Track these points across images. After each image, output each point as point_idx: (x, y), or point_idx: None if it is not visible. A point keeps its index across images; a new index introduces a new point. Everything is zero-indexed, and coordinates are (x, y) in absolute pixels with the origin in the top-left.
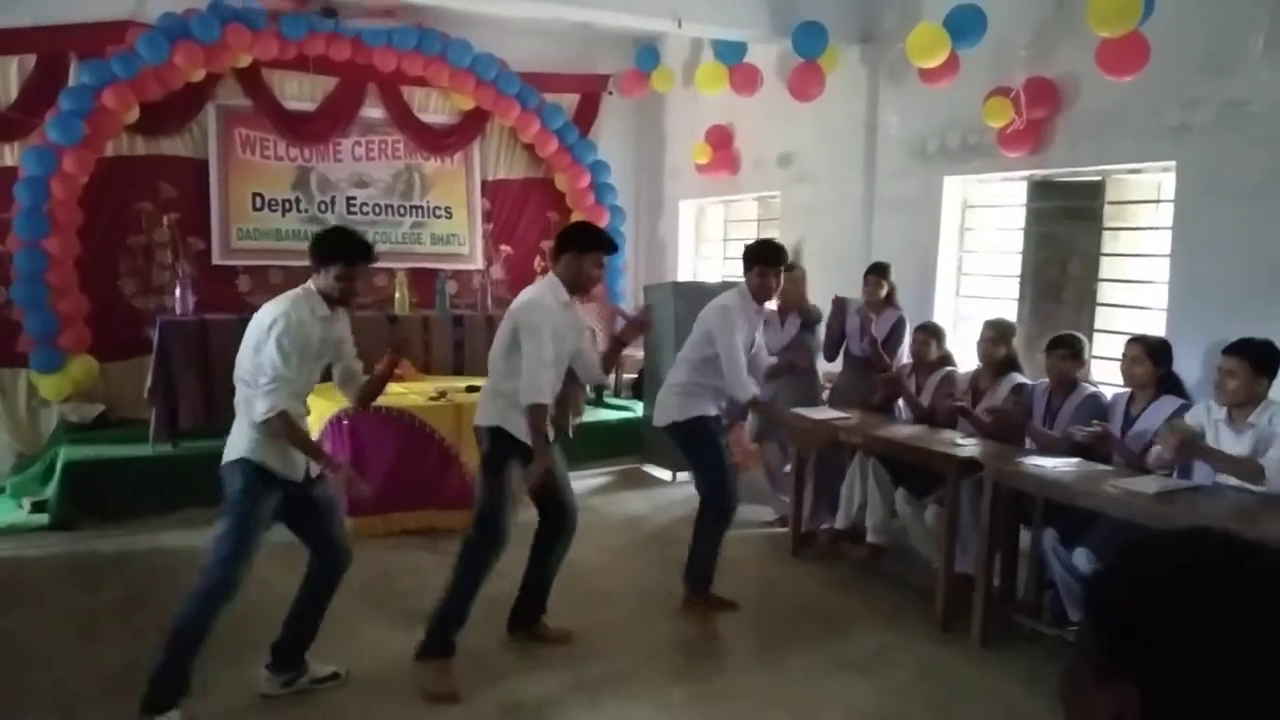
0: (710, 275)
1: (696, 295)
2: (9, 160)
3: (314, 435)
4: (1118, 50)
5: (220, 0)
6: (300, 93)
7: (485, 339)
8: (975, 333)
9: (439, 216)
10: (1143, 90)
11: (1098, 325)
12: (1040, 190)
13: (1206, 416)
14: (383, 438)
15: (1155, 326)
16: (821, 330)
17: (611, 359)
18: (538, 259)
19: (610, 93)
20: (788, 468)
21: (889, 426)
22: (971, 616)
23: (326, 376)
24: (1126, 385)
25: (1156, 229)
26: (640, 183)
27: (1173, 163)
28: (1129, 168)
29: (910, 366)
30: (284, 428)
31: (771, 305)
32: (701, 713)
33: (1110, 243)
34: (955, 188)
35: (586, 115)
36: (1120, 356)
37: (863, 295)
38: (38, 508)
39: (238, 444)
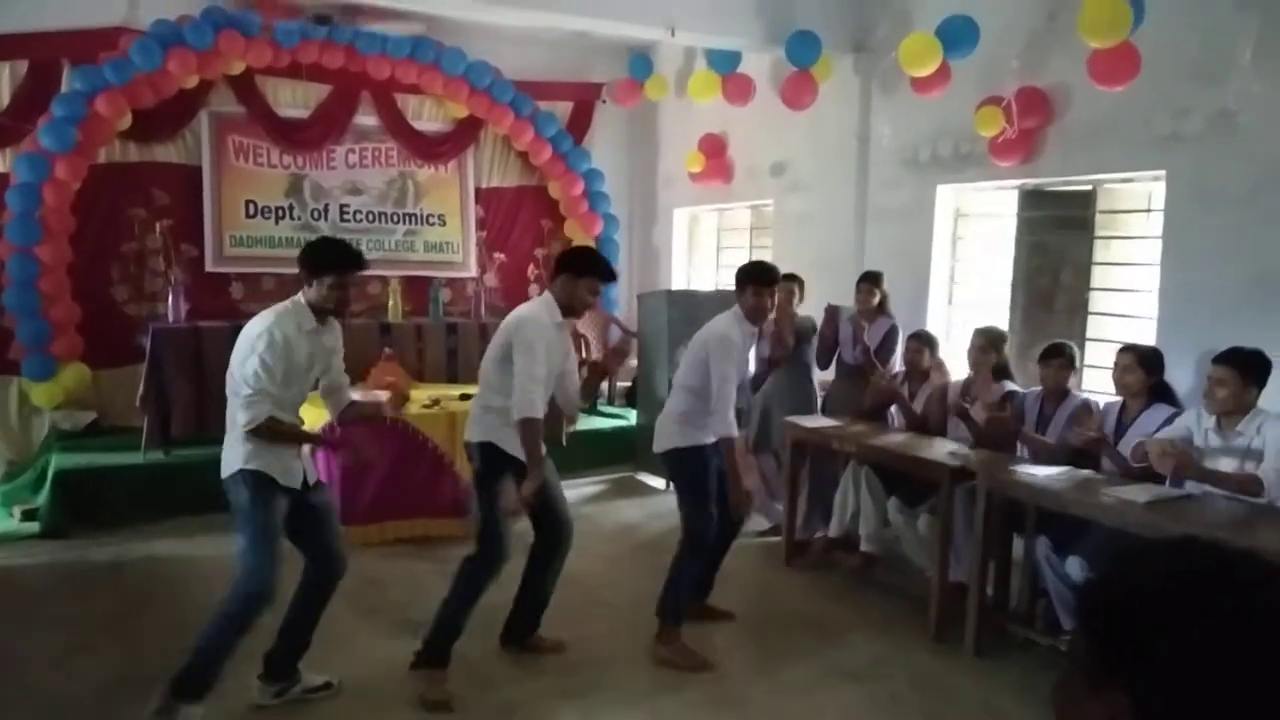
0: (703, 283)
1: (690, 303)
2: (1, 167)
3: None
4: (1109, 60)
5: (214, 7)
6: (294, 100)
7: (479, 347)
8: (967, 341)
9: (432, 224)
10: (1133, 100)
11: (1089, 334)
12: (1032, 199)
13: (1196, 425)
14: (376, 446)
15: (1146, 335)
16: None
17: (592, 386)
18: (531, 267)
19: (604, 101)
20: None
21: (882, 435)
22: (965, 625)
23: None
24: (1118, 394)
25: (1147, 238)
26: (634, 191)
27: (1163, 172)
28: (1120, 177)
29: (903, 375)
30: (270, 432)
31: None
32: None
33: (1101, 251)
34: (947, 197)
35: (580, 123)
36: (1112, 365)
37: (855, 303)
38: (29, 516)
39: (234, 456)
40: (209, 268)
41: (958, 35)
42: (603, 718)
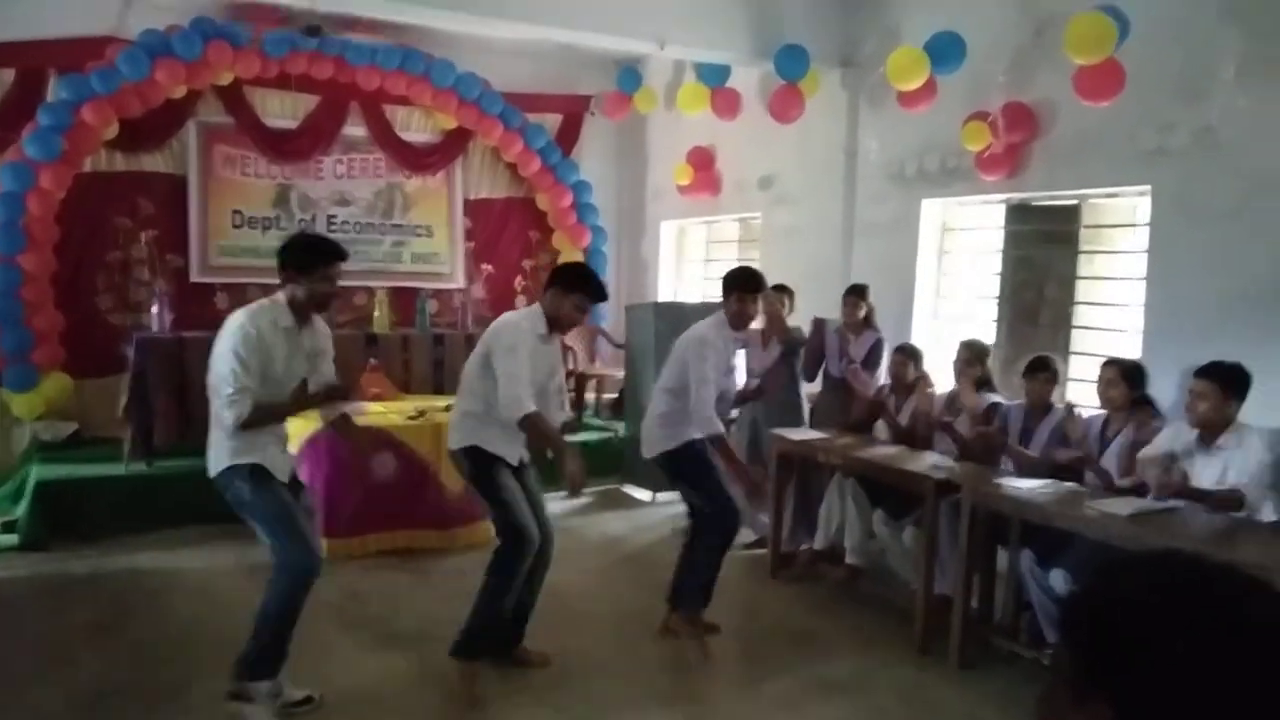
0: (691, 295)
1: (678, 315)
2: None
3: (291, 452)
4: (1094, 76)
5: (203, 17)
6: (282, 110)
7: (465, 358)
8: (953, 354)
9: (420, 235)
10: (1119, 115)
11: (1074, 347)
12: (1018, 214)
13: (1179, 438)
14: (360, 457)
15: (1131, 349)
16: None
17: (536, 436)
18: (518, 278)
19: (593, 113)
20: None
21: (867, 447)
22: (950, 638)
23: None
24: (1102, 407)
25: (1132, 253)
26: (622, 203)
27: (1148, 187)
28: (1105, 192)
29: (888, 387)
30: (259, 420)
31: (758, 324)
32: None
33: (1086, 266)
34: (934, 211)
35: (569, 135)
36: (1096, 379)
37: (841, 316)
38: (8, 528)
39: (220, 455)
40: (194, 278)
41: (945, 51)
42: None
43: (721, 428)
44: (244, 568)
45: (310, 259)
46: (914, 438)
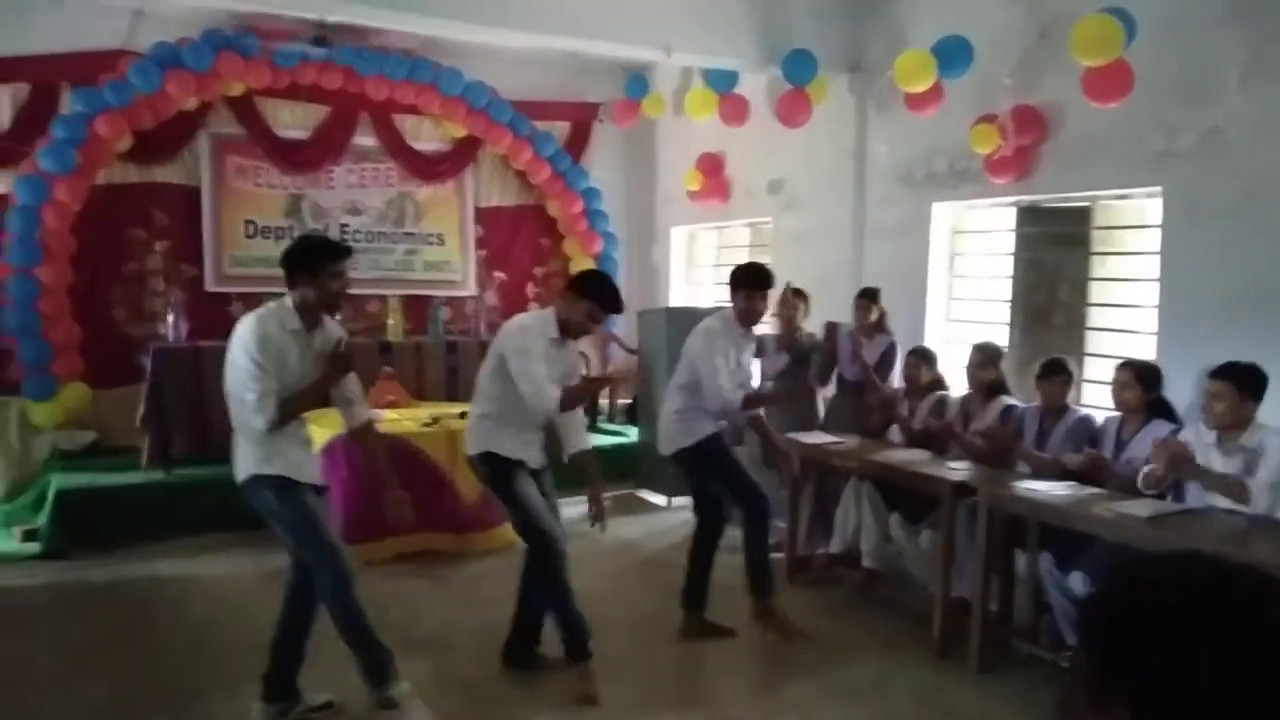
0: (703, 300)
1: (689, 320)
2: (1, 189)
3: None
4: (1103, 77)
5: (213, 29)
6: (293, 121)
7: (478, 365)
8: (966, 357)
9: (432, 243)
10: (1127, 117)
11: (1088, 349)
12: (1029, 216)
13: (1196, 440)
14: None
15: (1145, 350)
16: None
17: (573, 398)
18: (530, 285)
19: (601, 121)
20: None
21: (883, 451)
22: (968, 641)
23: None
24: (1117, 410)
25: (1145, 254)
26: (632, 209)
27: (1158, 188)
28: (1116, 193)
29: (902, 391)
30: (289, 415)
31: (766, 329)
32: None
33: (1099, 267)
34: (944, 214)
35: (578, 143)
36: (1110, 381)
37: (853, 320)
38: (29, 536)
39: (245, 463)
40: (209, 287)
41: (952, 54)
42: None
43: (737, 397)
44: (262, 574)
45: (317, 259)
46: (929, 441)
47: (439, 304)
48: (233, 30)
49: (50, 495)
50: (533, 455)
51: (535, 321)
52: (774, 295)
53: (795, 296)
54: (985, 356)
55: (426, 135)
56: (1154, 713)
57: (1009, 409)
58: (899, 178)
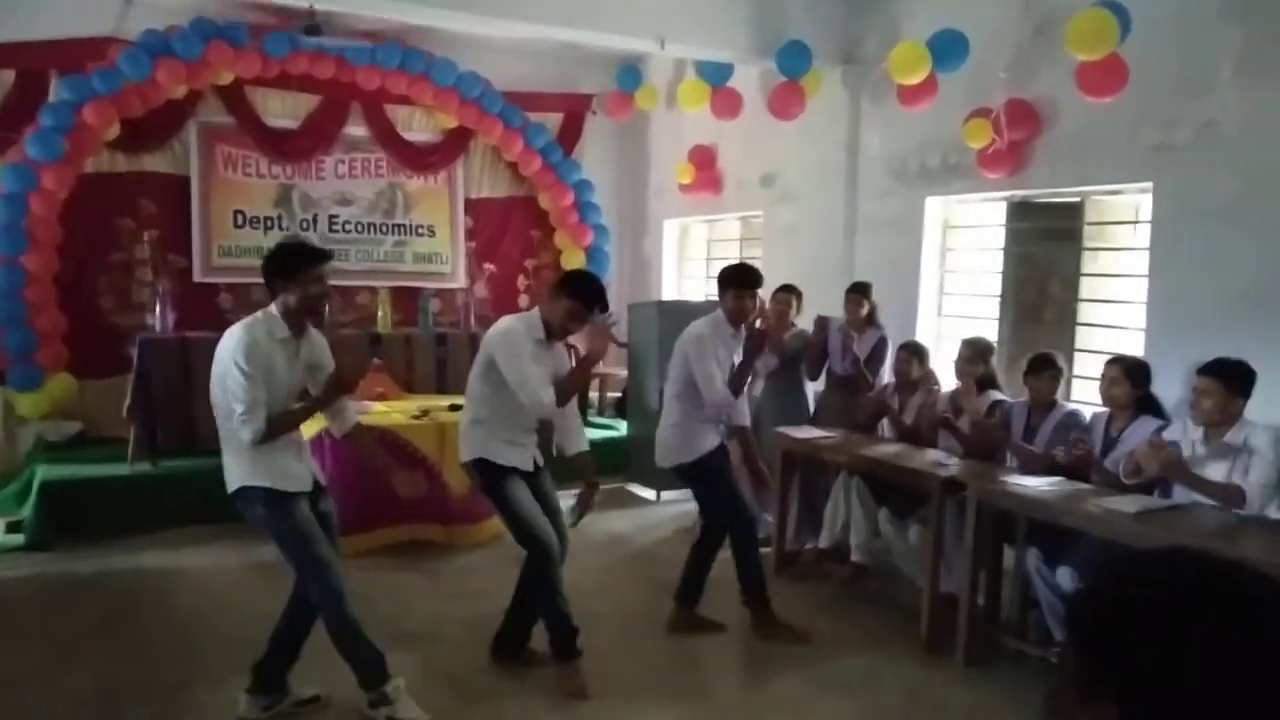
0: (694, 294)
1: (680, 314)
2: None
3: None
4: (1097, 72)
5: (203, 17)
6: (283, 110)
7: (468, 357)
8: (956, 352)
9: (422, 235)
10: (1121, 112)
11: (1078, 345)
12: (1020, 211)
13: (1184, 436)
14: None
15: (1135, 346)
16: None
17: (566, 392)
18: (520, 277)
19: (594, 112)
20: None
21: (872, 445)
22: (956, 636)
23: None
24: (1105, 406)
25: (1135, 249)
26: (624, 202)
27: (1150, 184)
28: (1108, 189)
29: (893, 385)
30: (275, 432)
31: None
32: None
33: (1090, 263)
34: (936, 208)
35: (570, 134)
36: (1099, 377)
37: (844, 314)
38: (13, 528)
39: (234, 474)
40: (197, 278)
41: (947, 48)
42: None
43: (746, 413)
44: (248, 566)
45: (294, 264)
46: (919, 436)
47: (429, 296)
48: (222, 19)
49: (35, 486)
50: (528, 457)
51: (521, 323)
52: (764, 293)
53: (787, 294)
54: (975, 352)
55: (418, 126)
56: (1142, 708)
57: (996, 404)
58: (891, 171)
